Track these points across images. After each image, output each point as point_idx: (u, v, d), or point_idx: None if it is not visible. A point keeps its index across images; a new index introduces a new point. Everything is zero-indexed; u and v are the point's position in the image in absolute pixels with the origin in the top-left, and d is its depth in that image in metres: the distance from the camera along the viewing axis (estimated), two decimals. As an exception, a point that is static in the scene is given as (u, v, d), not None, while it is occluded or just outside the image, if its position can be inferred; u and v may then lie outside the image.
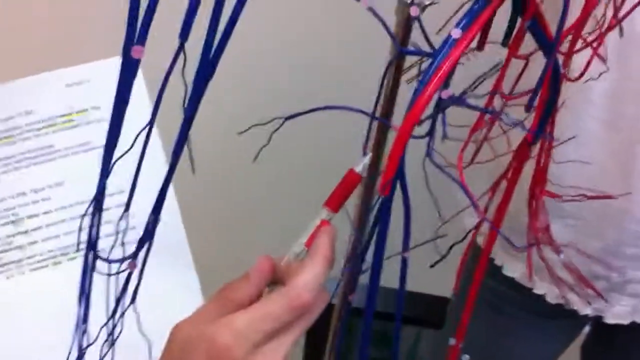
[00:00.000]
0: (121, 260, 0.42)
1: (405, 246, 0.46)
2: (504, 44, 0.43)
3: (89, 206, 0.40)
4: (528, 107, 0.43)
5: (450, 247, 0.52)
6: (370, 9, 0.39)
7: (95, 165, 0.40)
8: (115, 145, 0.36)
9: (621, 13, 0.46)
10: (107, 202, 0.43)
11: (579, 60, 0.52)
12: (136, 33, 0.32)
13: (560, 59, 0.44)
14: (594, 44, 0.47)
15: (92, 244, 0.41)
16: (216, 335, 0.43)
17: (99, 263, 0.44)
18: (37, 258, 0.68)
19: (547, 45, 0.41)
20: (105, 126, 0.37)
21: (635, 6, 0.48)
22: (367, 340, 0.49)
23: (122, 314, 0.45)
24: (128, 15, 0.32)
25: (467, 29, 0.39)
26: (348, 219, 0.50)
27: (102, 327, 0.45)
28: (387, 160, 0.41)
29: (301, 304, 0.44)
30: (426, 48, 0.41)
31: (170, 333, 0.45)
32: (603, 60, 0.50)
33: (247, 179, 1.35)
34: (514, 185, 0.48)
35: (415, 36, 0.42)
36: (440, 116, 0.42)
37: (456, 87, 0.42)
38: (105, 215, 0.44)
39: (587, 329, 1.02)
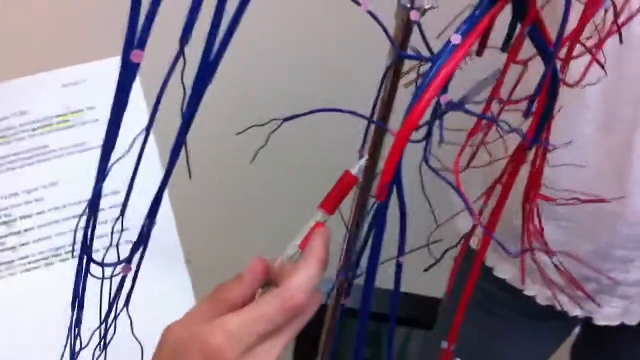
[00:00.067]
0: (115, 264, 0.42)
1: (401, 251, 0.46)
2: (504, 49, 0.43)
3: (84, 211, 0.40)
4: (526, 114, 0.43)
5: (444, 253, 0.52)
6: (370, 13, 0.39)
7: (91, 166, 0.40)
8: (112, 150, 0.36)
9: (621, 19, 0.46)
10: (101, 203, 0.43)
11: (576, 64, 0.52)
12: (136, 37, 0.32)
13: (558, 64, 0.44)
14: (593, 50, 0.47)
15: (86, 248, 0.41)
16: (209, 337, 0.42)
17: (92, 266, 0.43)
18: (29, 259, 0.68)
19: (547, 51, 0.41)
20: (100, 127, 0.37)
21: (635, 14, 0.48)
22: (362, 343, 0.49)
23: (116, 318, 0.45)
24: (129, 19, 0.31)
25: (467, 35, 0.39)
26: (343, 221, 0.50)
27: (95, 331, 0.45)
28: (384, 165, 0.41)
29: (294, 305, 0.44)
30: (425, 53, 0.41)
31: (162, 335, 0.45)
32: (602, 66, 0.50)
33: (243, 180, 1.35)
34: (509, 190, 0.48)
35: (415, 40, 0.42)
36: (437, 121, 0.42)
37: (454, 90, 0.42)
38: (99, 216, 0.43)
39: (577, 330, 1.03)
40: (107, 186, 0.40)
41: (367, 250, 0.46)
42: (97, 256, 0.43)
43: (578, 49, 0.47)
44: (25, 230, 0.68)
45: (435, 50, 0.40)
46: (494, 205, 0.49)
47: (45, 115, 0.70)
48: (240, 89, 1.20)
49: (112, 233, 0.43)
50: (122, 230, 0.42)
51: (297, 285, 0.44)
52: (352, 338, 0.50)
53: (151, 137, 0.40)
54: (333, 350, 0.56)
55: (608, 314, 0.89)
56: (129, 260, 0.42)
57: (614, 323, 0.90)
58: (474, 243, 0.56)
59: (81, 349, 0.47)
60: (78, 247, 0.42)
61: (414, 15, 0.40)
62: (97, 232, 0.43)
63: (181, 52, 0.33)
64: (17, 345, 0.66)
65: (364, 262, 0.47)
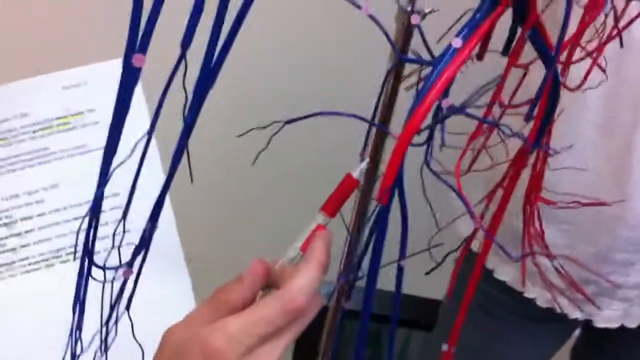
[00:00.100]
0: (117, 268, 0.42)
1: (402, 254, 0.45)
2: (504, 53, 0.43)
3: (85, 215, 0.40)
4: (527, 118, 0.43)
5: (446, 256, 0.52)
6: (371, 17, 0.39)
7: (91, 168, 0.40)
8: (114, 154, 0.36)
9: (621, 23, 0.46)
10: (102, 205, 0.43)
11: (576, 68, 0.52)
12: (137, 41, 0.32)
13: (559, 68, 0.44)
14: (594, 54, 0.47)
15: (88, 252, 0.41)
16: (209, 339, 0.43)
17: (93, 268, 0.43)
18: (29, 260, 0.68)
19: (548, 55, 0.41)
20: (101, 129, 0.37)
21: (635, 18, 0.48)
22: (363, 347, 0.49)
23: (116, 321, 0.45)
24: (130, 23, 0.31)
25: (468, 38, 0.39)
26: (344, 223, 0.50)
27: (95, 334, 0.45)
28: (386, 169, 0.41)
29: (295, 308, 0.44)
30: (426, 56, 0.41)
31: (162, 336, 0.45)
32: (603, 70, 0.50)
33: (244, 182, 1.35)
34: (510, 194, 0.48)
35: (415, 44, 0.42)
36: (438, 125, 0.42)
37: (454, 94, 0.42)
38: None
39: (577, 332, 1.03)
40: (107, 188, 0.41)
41: (368, 253, 0.46)
42: (97, 258, 0.43)
43: (578, 52, 0.47)
44: (26, 232, 0.68)
45: (436, 53, 0.40)
46: (495, 208, 0.49)
47: (45, 117, 0.70)
48: (241, 89, 1.20)
49: (114, 235, 0.43)
50: (124, 232, 0.42)
51: (298, 287, 0.44)
52: (352, 338, 0.50)
53: (152, 140, 0.40)
54: (333, 351, 0.56)
55: (608, 317, 0.89)
56: (130, 264, 0.42)
57: (614, 325, 0.90)
58: (475, 245, 0.56)
59: (82, 352, 0.47)
60: (79, 249, 0.42)
61: (414, 19, 0.40)
62: (98, 234, 0.43)
63: (183, 56, 0.33)
64: (17, 346, 0.66)
65: (365, 264, 0.47)
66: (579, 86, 0.50)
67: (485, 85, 0.43)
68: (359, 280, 0.50)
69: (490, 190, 0.52)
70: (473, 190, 0.61)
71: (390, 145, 0.42)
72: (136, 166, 0.38)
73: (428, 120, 0.41)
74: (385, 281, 0.48)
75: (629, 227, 0.80)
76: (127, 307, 0.45)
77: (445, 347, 0.53)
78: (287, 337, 0.45)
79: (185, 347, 0.43)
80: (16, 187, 0.68)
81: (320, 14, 1.26)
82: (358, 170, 0.47)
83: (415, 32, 0.41)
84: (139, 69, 0.33)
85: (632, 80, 0.74)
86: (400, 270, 0.46)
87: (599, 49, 0.47)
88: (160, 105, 0.35)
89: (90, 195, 0.40)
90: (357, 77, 1.02)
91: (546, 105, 0.43)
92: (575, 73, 0.52)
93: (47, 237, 0.68)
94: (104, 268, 0.42)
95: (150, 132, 0.35)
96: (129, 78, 0.33)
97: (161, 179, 0.39)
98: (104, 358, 0.48)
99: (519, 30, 0.41)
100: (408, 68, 0.44)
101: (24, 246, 0.68)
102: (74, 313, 0.45)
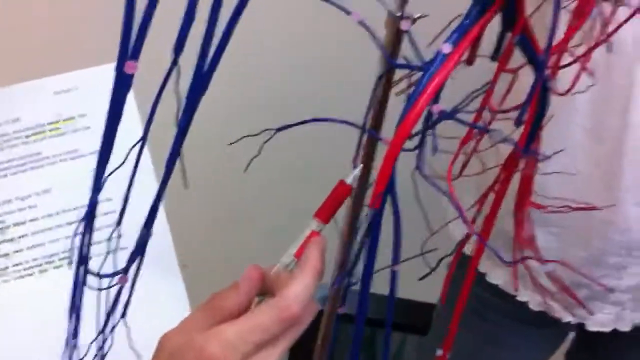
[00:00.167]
0: (112, 275, 0.42)
1: (395, 259, 0.46)
2: (494, 58, 0.43)
3: (79, 223, 0.40)
4: (517, 122, 0.43)
5: (440, 261, 0.52)
6: (361, 23, 0.39)
7: (83, 173, 0.40)
8: (107, 161, 0.36)
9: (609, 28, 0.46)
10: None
11: (565, 72, 0.52)
12: (130, 48, 0.32)
13: (547, 71, 0.44)
14: (582, 59, 0.47)
15: (83, 260, 0.41)
16: (205, 346, 0.43)
17: (88, 276, 0.43)
18: (22, 266, 0.67)
19: (537, 59, 0.41)
20: (92, 134, 0.37)
21: (622, 23, 0.48)
22: (357, 350, 0.50)
23: (113, 329, 0.45)
24: (122, 30, 0.31)
25: (457, 43, 0.39)
26: (337, 230, 0.50)
27: (92, 342, 0.45)
28: (378, 175, 0.41)
29: (291, 315, 0.44)
30: (416, 61, 0.42)
31: (158, 342, 0.45)
32: (592, 74, 0.50)
33: (238, 187, 1.35)
34: (502, 198, 0.49)
35: (406, 48, 0.42)
36: (430, 130, 0.42)
37: (445, 97, 0.42)
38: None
39: (571, 336, 1.03)
40: (100, 193, 0.41)
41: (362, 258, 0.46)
42: (90, 263, 0.43)
43: (567, 57, 0.47)
44: (19, 237, 0.68)
45: (426, 58, 0.41)
46: (487, 212, 0.49)
47: (37, 122, 0.70)
48: (237, 90, 1.20)
49: (109, 240, 0.43)
50: (119, 237, 0.42)
51: (294, 295, 0.44)
52: (347, 342, 0.50)
53: (145, 146, 0.40)
54: (328, 355, 0.56)
55: (600, 320, 0.90)
56: (125, 271, 0.42)
57: (607, 329, 0.90)
58: (468, 249, 0.56)
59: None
60: (72, 254, 0.42)
61: (404, 25, 0.41)
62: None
63: (175, 62, 0.33)
64: (11, 352, 0.66)
65: (359, 269, 0.47)
66: (568, 90, 0.50)
67: (476, 91, 0.44)
68: (353, 286, 0.50)
69: (482, 194, 0.52)
70: (465, 195, 0.61)
71: (382, 151, 0.43)
72: (129, 172, 0.38)
73: (419, 125, 0.41)
74: (379, 284, 0.48)
75: (620, 230, 0.81)
76: (123, 315, 0.45)
77: (440, 352, 0.53)
78: (283, 344, 0.45)
79: (181, 353, 0.43)
80: (8, 192, 0.68)
81: (314, 17, 1.26)
82: (351, 177, 0.47)
83: (406, 37, 0.42)
84: (132, 76, 0.33)
85: (620, 84, 0.74)
86: (393, 275, 0.46)
87: (587, 54, 0.47)
88: (153, 112, 0.35)
89: (82, 200, 0.40)
90: (357, 77, 1.02)
91: (536, 109, 0.43)
92: (564, 77, 0.53)
93: (40, 243, 0.68)
94: (99, 276, 0.42)
95: (143, 138, 0.35)
96: (122, 85, 0.33)
97: (154, 183, 0.39)
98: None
99: (508, 35, 0.42)
100: (398, 73, 0.45)
101: (17, 252, 0.67)
102: (69, 320, 0.45)
